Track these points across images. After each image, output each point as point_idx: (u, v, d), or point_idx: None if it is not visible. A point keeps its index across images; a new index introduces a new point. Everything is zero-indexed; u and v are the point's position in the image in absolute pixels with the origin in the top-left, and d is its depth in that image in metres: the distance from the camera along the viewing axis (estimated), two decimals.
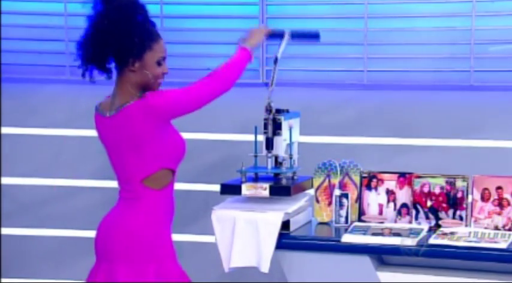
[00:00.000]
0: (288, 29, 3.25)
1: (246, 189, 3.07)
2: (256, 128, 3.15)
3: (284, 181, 3.13)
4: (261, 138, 3.17)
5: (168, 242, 2.97)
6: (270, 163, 3.15)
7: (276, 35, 3.22)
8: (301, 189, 3.19)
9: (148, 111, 2.87)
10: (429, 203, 3.15)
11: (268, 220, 3.01)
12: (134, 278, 2.90)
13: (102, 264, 2.97)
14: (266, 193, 3.05)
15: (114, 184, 3.05)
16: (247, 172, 3.14)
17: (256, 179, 3.15)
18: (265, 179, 3.15)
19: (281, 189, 3.07)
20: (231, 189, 3.11)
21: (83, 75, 2.99)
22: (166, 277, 2.92)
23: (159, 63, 2.94)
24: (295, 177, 3.17)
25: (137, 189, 2.95)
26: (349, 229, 3.10)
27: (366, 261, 3.00)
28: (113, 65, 2.98)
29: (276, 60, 3.21)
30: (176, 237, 3.06)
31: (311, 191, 3.30)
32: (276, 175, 3.19)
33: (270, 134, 3.14)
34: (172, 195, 3.00)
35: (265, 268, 2.99)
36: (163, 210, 2.96)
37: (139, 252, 2.92)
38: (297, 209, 3.13)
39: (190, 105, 2.96)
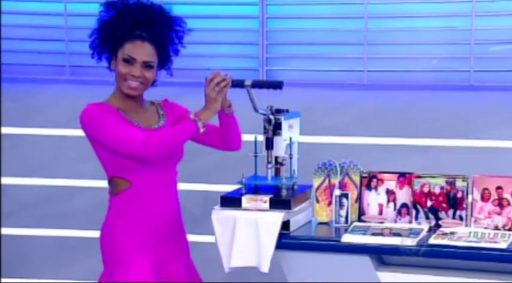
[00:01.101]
0: (248, 80, 3.07)
1: (246, 202, 3.07)
2: (256, 136, 3.16)
3: (284, 193, 3.12)
4: (261, 138, 3.17)
5: (123, 246, 3.00)
6: (270, 174, 3.15)
7: (236, 85, 3.06)
8: (301, 200, 3.18)
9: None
10: (429, 203, 3.15)
11: (268, 220, 3.01)
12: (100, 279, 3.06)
13: None
14: (266, 206, 3.06)
15: None
16: (247, 183, 3.15)
17: (256, 190, 3.15)
18: (265, 190, 3.15)
19: (281, 203, 3.07)
20: (231, 202, 3.10)
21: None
22: (112, 279, 2.99)
23: (126, 61, 2.97)
24: (295, 187, 3.17)
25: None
26: (349, 229, 3.10)
27: (366, 261, 3.00)
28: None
29: (256, 110, 3.12)
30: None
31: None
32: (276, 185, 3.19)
33: (270, 134, 3.14)
34: (134, 202, 3.01)
35: (265, 268, 2.99)
36: (117, 215, 3.02)
37: (102, 254, 3.06)
38: (297, 210, 3.12)
39: (109, 143, 2.91)
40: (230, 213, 3.06)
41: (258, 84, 3.10)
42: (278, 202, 3.06)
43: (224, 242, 3.05)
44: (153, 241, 3.03)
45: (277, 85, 3.09)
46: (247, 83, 3.06)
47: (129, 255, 2.98)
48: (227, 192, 3.19)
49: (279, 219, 3.00)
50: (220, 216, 3.07)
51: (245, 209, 3.07)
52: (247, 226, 3.02)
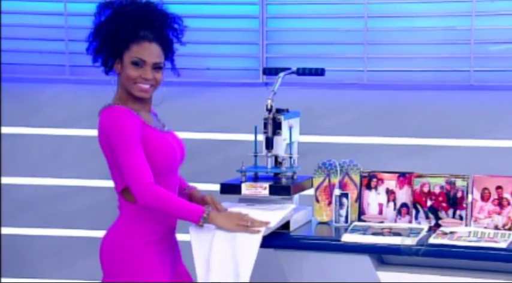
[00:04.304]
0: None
1: (246, 189, 3.06)
2: (256, 127, 3.15)
3: (284, 181, 3.12)
4: (261, 138, 3.17)
5: (146, 255, 2.88)
6: (270, 163, 3.15)
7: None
8: (301, 188, 3.19)
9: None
10: (429, 203, 3.15)
11: (248, 237, 2.86)
12: None
13: None
14: (266, 192, 3.05)
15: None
16: (247, 172, 3.14)
17: (256, 179, 3.15)
18: (265, 179, 3.15)
19: (281, 189, 3.07)
20: (230, 189, 3.10)
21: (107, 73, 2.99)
22: None
23: (135, 64, 2.87)
24: (295, 177, 3.17)
25: (119, 199, 2.93)
26: (349, 229, 3.10)
27: (366, 260, 3.00)
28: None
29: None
30: (176, 237, 3.05)
31: (311, 191, 3.30)
32: (276, 174, 3.19)
33: (270, 134, 3.14)
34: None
35: (245, 279, 2.82)
36: (141, 223, 2.88)
37: (111, 265, 2.90)
38: (279, 221, 2.98)
39: (120, 162, 2.80)
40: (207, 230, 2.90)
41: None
42: (278, 189, 3.05)
43: (201, 258, 2.88)
44: (167, 246, 2.96)
45: None
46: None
47: (152, 264, 2.88)
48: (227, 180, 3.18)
49: (259, 237, 2.86)
50: (198, 231, 2.89)
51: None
52: (225, 241, 2.86)
